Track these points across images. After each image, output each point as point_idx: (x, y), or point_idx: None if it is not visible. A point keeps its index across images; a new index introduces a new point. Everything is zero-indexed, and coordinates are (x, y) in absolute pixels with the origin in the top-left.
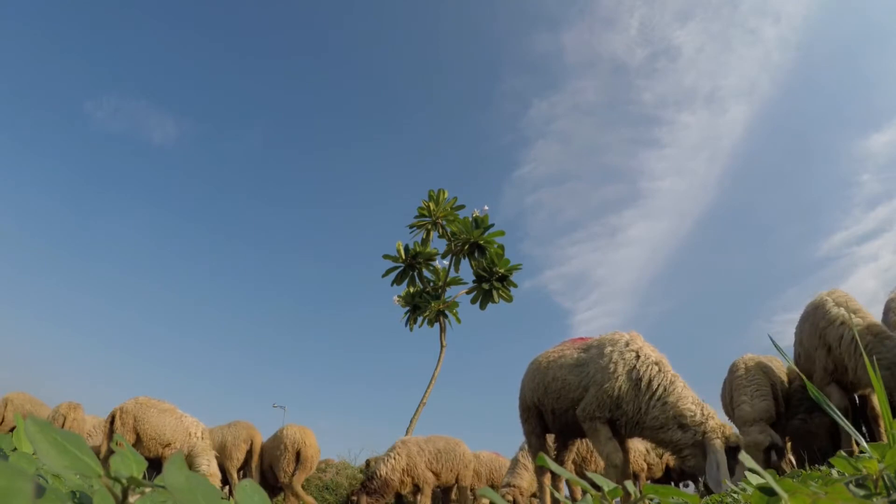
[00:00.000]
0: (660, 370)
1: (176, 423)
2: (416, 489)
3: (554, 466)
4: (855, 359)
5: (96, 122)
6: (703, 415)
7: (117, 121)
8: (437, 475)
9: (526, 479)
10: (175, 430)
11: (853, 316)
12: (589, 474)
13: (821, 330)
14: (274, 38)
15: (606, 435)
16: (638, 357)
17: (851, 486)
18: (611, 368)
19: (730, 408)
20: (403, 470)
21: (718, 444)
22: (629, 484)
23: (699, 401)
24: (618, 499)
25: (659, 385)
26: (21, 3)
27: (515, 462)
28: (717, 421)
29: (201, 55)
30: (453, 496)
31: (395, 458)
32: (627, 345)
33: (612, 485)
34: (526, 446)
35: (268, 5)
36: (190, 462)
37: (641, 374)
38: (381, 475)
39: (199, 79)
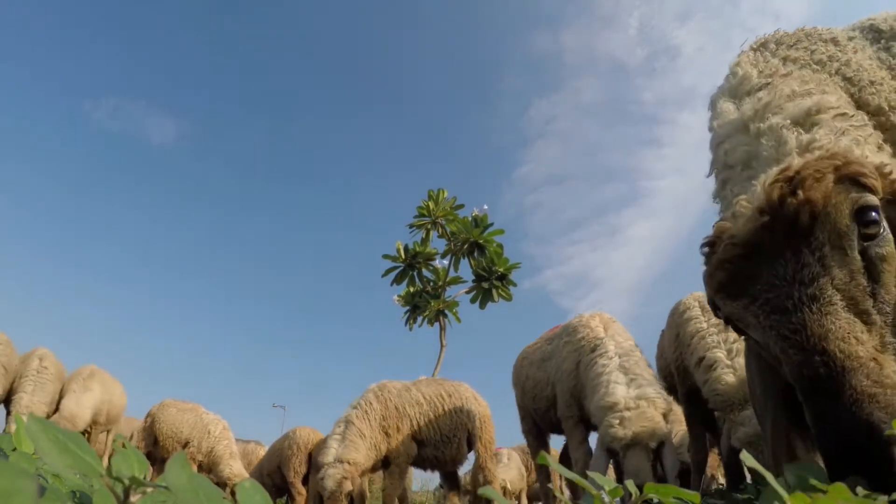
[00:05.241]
0: (593, 359)
1: (195, 420)
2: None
3: (554, 465)
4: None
5: (95, 121)
6: (604, 413)
7: (116, 120)
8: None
9: (362, 453)
10: (193, 427)
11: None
12: (590, 474)
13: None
14: (273, 40)
15: (579, 438)
16: (582, 345)
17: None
18: (564, 365)
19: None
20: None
21: (615, 448)
22: (630, 483)
23: (617, 388)
24: (619, 498)
25: (587, 375)
26: (21, 5)
27: (346, 425)
28: (612, 426)
29: (200, 56)
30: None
31: None
32: (577, 332)
33: (613, 484)
34: (359, 406)
35: (267, 8)
36: (213, 468)
37: (582, 363)
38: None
39: (198, 79)
